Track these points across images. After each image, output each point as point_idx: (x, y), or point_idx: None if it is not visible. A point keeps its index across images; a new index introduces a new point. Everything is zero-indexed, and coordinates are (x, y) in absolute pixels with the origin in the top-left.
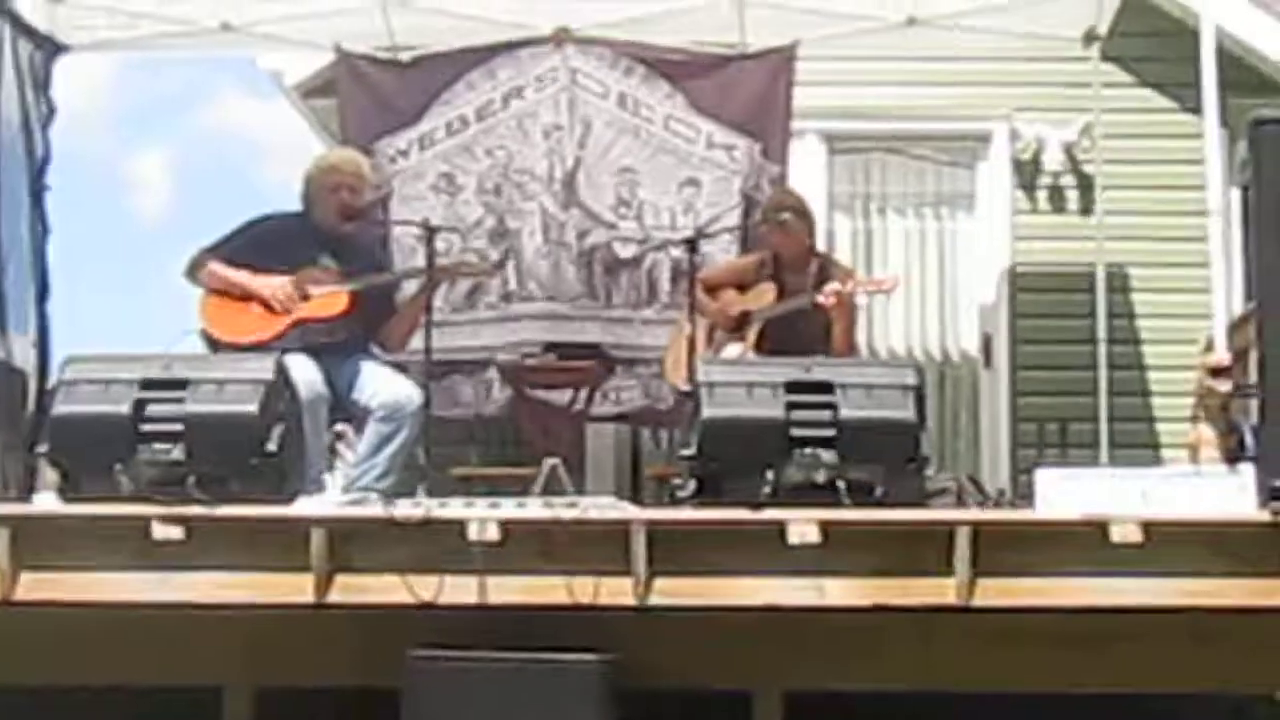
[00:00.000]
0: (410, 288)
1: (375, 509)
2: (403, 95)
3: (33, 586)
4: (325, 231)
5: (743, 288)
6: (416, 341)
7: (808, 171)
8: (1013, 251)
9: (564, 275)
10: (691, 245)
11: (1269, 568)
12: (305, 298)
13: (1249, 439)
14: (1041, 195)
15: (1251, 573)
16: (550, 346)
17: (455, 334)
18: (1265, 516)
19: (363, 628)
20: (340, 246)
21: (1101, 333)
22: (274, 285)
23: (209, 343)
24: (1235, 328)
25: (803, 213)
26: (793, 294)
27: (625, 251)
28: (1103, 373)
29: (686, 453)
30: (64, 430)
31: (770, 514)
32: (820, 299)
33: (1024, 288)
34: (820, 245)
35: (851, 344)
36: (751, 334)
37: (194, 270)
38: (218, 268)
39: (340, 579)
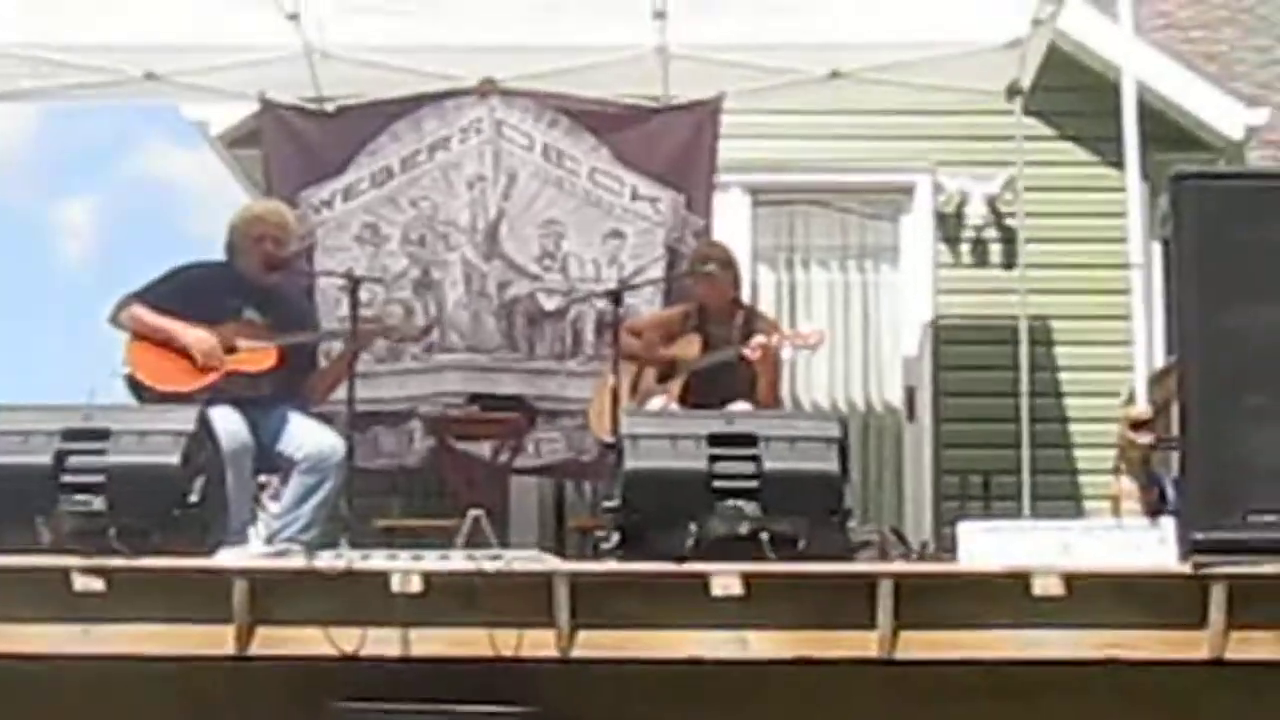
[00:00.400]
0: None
1: (297, 560)
2: (327, 146)
3: None
4: (249, 282)
5: (668, 339)
6: (340, 392)
7: (732, 224)
8: (936, 304)
9: (484, 326)
10: (615, 297)
11: (1189, 620)
12: (231, 349)
13: (1170, 492)
14: (964, 248)
15: (1172, 625)
16: (473, 398)
17: (378, 385)
18: (1185, 569)
19: (285, 680)
20: (264, 297)
21: (1024, 385)
22: (199, 340)
23: (134, 387)
24: (1156, 380)
25: (728, 264)
26: (718, 346)
27: (549, 303)
28: (1025, 425)
29: (610, 504)
30: None
31: (693, 566)
32: (746, 352)
33: (947, 340)
34: (744, 297)
35: (776, 396)
36: (676, 386)
37: (118, 315)
38: (142, 313)
39: (262, 631)
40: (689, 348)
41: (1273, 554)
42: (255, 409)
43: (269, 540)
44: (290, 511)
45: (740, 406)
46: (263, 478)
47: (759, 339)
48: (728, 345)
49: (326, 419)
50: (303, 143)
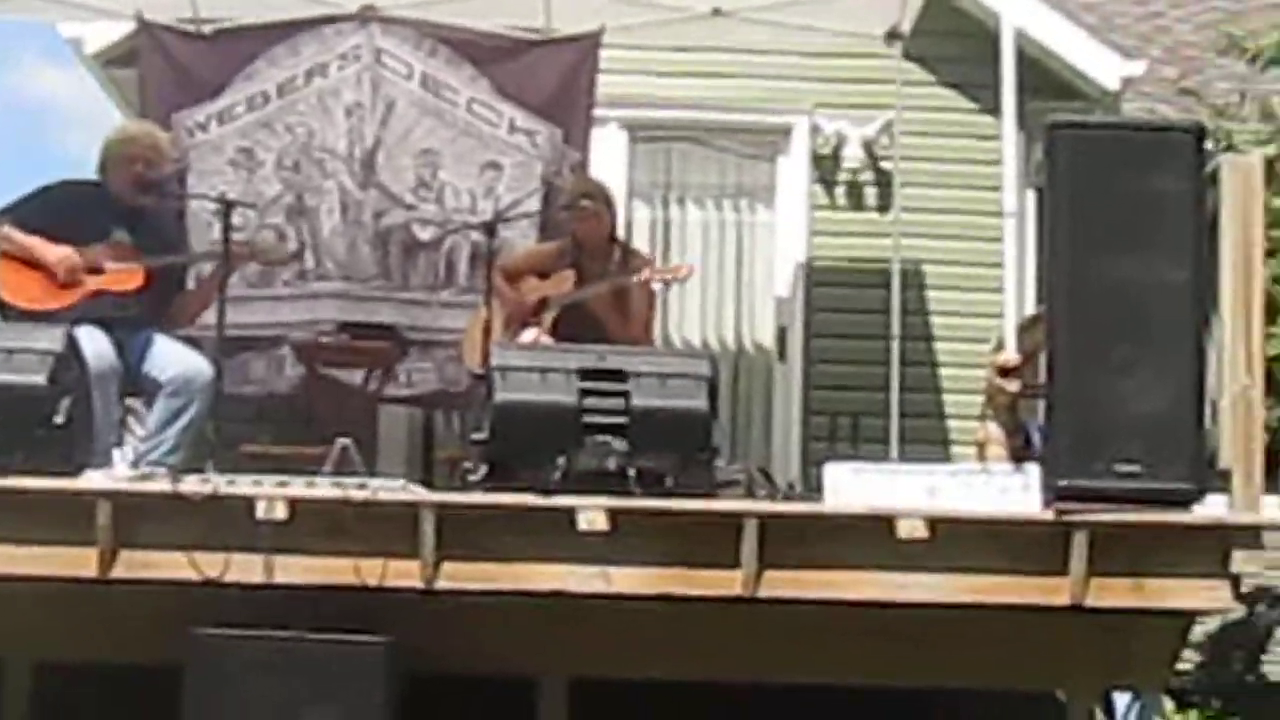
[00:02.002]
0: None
1: (162, 484)
2: (204, 68)
3: None
4: (120, 203)
5: (543, 275)
6: (209, 317)
7: (609, 159)
8: (810, 246)
9: (360, 255)
10: (490, 229)
11: (1051, 566)
12: (99, 270)
13: (1035, 438)
14: (840, 191)
15: (1034, 571)
16: (345, 326)
17: (249, 310)
18: (1049, 516)
19: (147, 604)
20: (135, 219)
21: (895, 329)
22: (59, 256)
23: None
24: (1026, 328)
25: (604, 200)
26: (592, 282)
27: (424, 233)
28: (895, 369)
29: (478, 436)
30: None
31: (560, 500)
32: (622, 284)
33: (820, 282)
34: (620, 233)
35: (648, 333)
36: (548, 319)
37: None
38: (9, 231)
39: (125, 554)
40: (563, 284)
41: (1134, 503)
42: (123, 330)
43: (134, 463)
44: (156, 434)
45: (611, 343)
46: (129, 400)
47: (634, 275)
48: (601, 281)
49: (195, 343)
50: (179, 65)
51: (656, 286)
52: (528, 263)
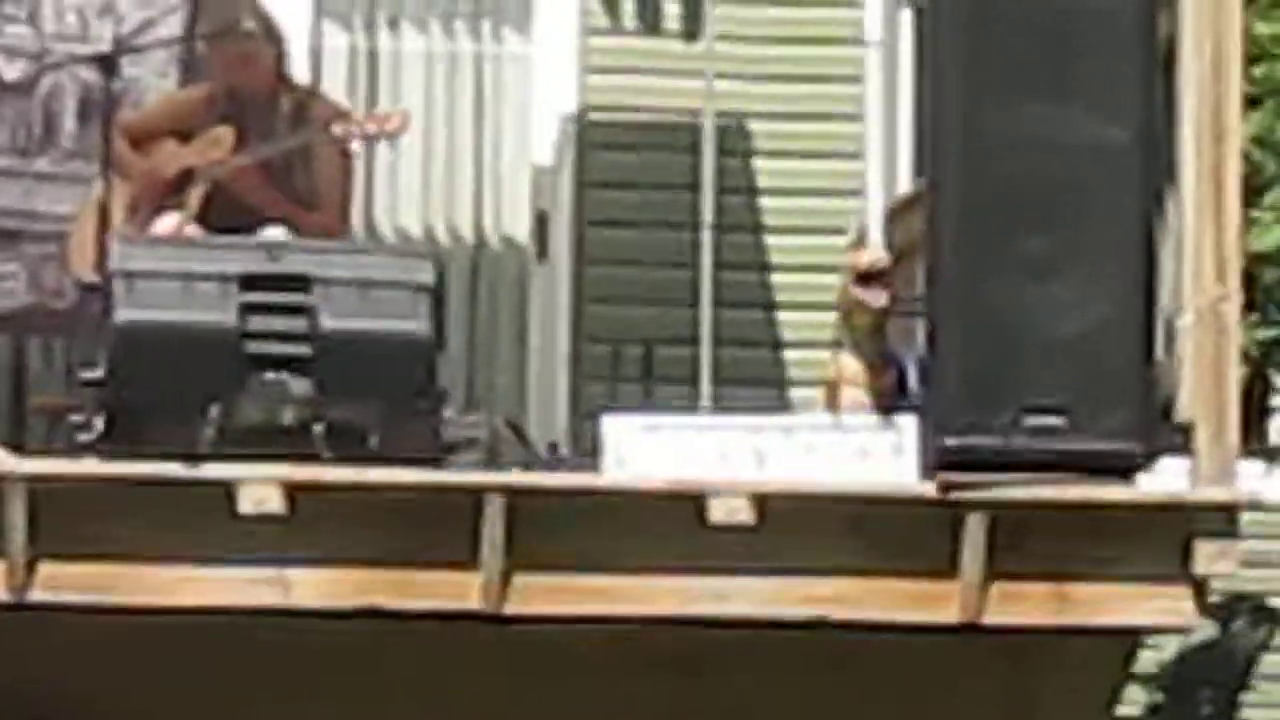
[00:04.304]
0: None
1: None
2: None
3: None
4: None
5: (187, 136)
6: None
7: None
8: (583, 90)
9: None
10: (110, 65)
11: (934, 565)
12: None
13: (912, 376)
14: (627, 10)
15: (910, 572)
16: None
17: None
18: (930, 491)
19: None
20: None
21: (707, 215)
22: None
23: None
24: (898, 213)
25: (266, 30)
26: (258, 143)
27: (10, 71)
28: (707, 273)
29: (91, 375)
30: None
31: (213, 470)
32: (303, 144)
33: (598, 143)
34: (301, 74)
35: (343, 218)
36: (195, 198)
37: None
38: None
39: None
40: (215, 147)
41: (1053, 471)
42: None
43: None
44: None
45: (283, 232)
46: None
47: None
48: (272, 140)
49: None
50: None
51: (355, 146)
52: (163, 119)
